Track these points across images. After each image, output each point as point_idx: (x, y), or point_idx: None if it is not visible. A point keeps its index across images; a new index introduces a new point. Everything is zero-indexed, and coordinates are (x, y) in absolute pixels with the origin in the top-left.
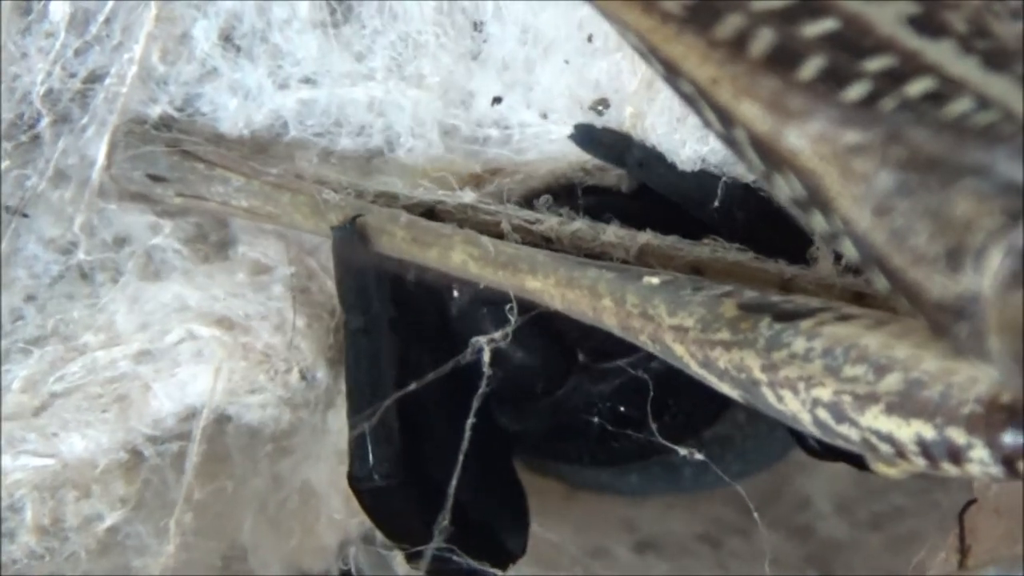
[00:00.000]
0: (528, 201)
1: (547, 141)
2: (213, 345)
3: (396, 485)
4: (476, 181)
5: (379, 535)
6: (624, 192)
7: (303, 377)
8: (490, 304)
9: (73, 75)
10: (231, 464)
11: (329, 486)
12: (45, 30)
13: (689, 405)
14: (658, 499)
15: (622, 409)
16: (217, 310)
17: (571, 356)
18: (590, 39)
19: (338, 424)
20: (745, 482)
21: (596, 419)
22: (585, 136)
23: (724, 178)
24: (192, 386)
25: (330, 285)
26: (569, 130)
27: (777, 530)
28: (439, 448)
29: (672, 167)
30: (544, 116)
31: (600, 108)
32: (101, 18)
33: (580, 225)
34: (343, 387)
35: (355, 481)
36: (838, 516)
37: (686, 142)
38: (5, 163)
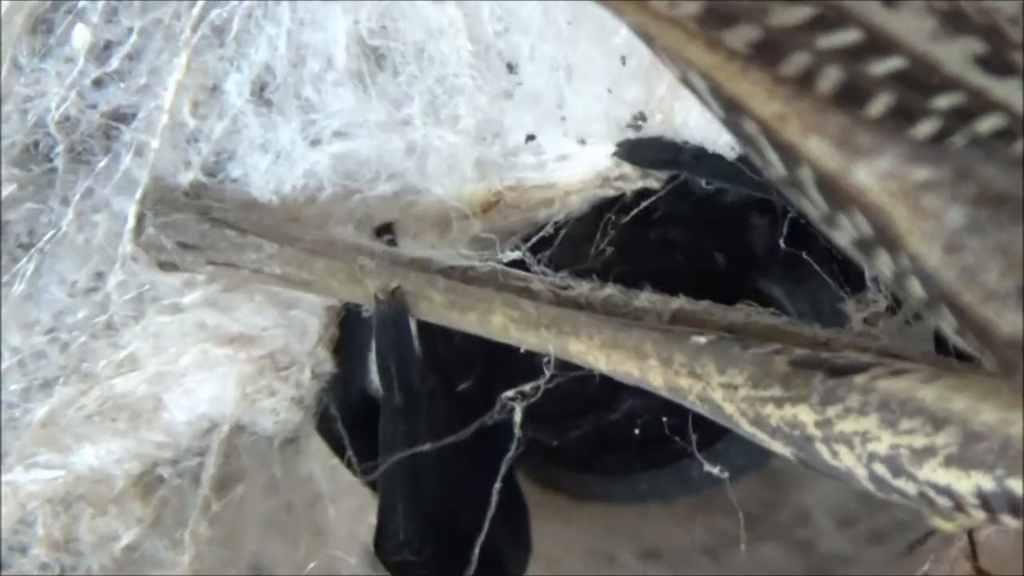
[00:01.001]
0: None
1: (582, 166)
2: (225, 358)
3: (426, 559)
4: (504, 212)
5: None
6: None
7: (314, 375)
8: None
9: (92, 106)
10: (244, 471)
11: (339, 495)
12: (65, 55)
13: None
14: (661, 510)
15: (664, 419)
16: (234, 328)
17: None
18: (624, 61)
19: None
20: (745, 495)
21: (637, 432)
22: (631, 150)
23: None
24: (202, 395)
25: None
26: (609, 149)
27: (778, 544)
28: (464, 501)
29: (723, 158)
30: (582, 142)
31: (640, 123)
32: (124, 51)
33: (612, 291)
34: None
35: (385, 553)
36: (839, 530)
37: (721, 131)
38: (12, 187)
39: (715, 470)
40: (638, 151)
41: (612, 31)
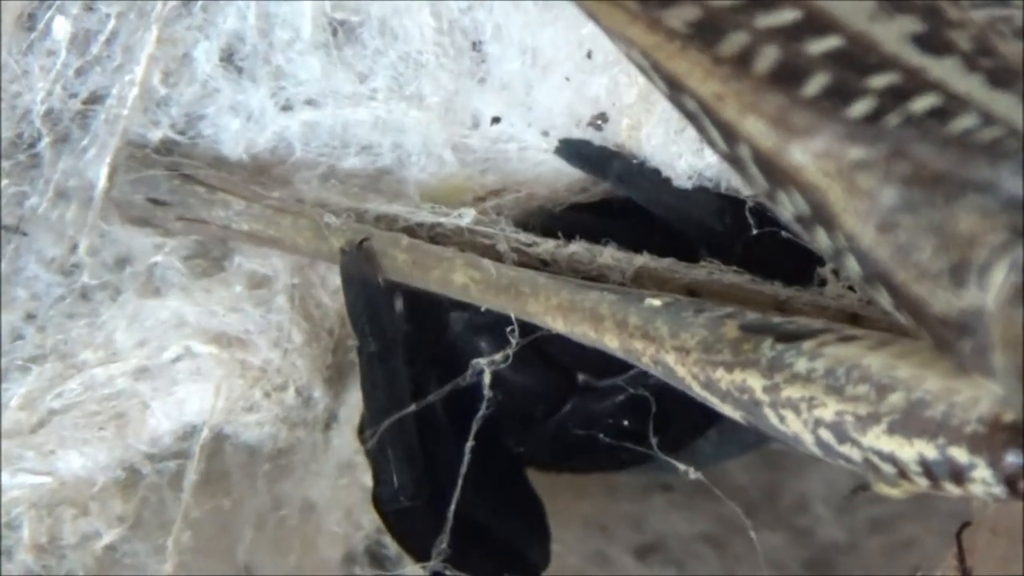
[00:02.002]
0: (526, 222)
1: (546, 158)
2: (211, 362)
3: (422, 505)
4: (478, 200)
5: (384, 553)
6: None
7: (299, 395)
8: (486, 327)
9: (74, 95)
10: (229, 483)
11: (330, 501)
12: (47, 48)
13: (692, 412)
14: (661, 498)
15: (626, 423)
16: (215, 325)
17: (570, 377)
18: (589, 55)
19: (339, 440)
20: (745, 481)
21: (601, 435)
22: (571, 150)
23: (708, 191)
24: (190, 404)
25: (326, 299)
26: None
27: (776, 532)
28: (450, 469)
29: (655, 180)
30: (545, 134)
31: (599, 123)
32: (103, 38)
33: (577, 248)
34: (343, 405)
35: (381, 503)
36: (837, 519)
37: (682, 155)
38: (4, 181)
39: (681, 468)
40: (574, 151)
41: (582, 21)
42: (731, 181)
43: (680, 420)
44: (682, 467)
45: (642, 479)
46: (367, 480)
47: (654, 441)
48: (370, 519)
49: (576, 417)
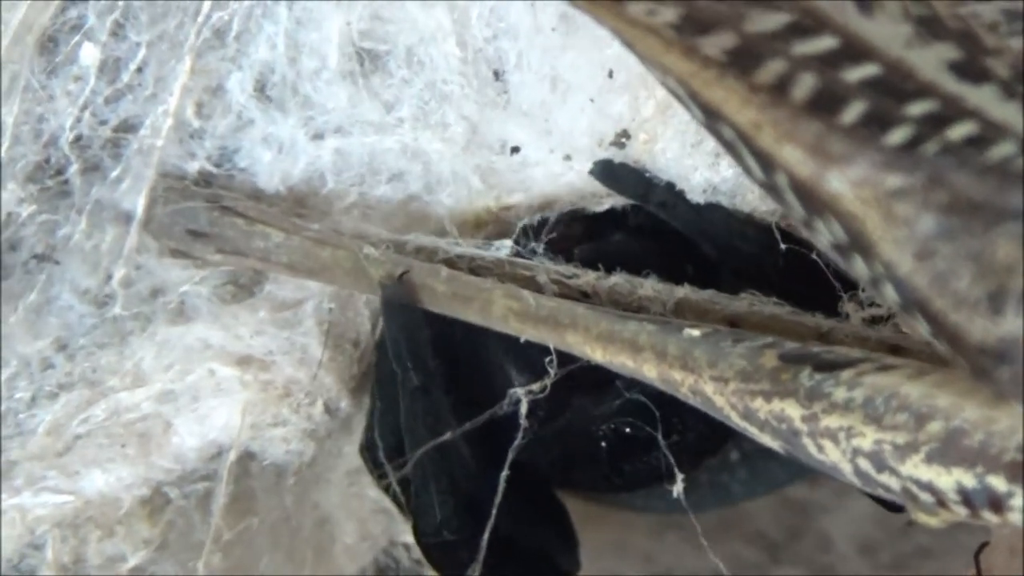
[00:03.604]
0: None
1: (572, 176)
2: (234, 382)
3: (465, 539)
4: (498, 216)
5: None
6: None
7: (327, 410)
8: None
9: (104, 122)
10: (256, 503)
11: (343, 511)
12: (74, 74)
13: (699, 424)
14: (676, 534)
15: (628, 431)
16: (240, 348)
17: (570, 379)
18: (611, 75)
19: (351, 448)
20: (768, 520)
21: (603, 444)
22: (605, 172)
23: (741, 216)
24: (213, 421)
25: (353, 313)
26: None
27: (798, 569)
28: (484, 495)
29: (693, 206)
30: (568, 158)
31: (623, 140)
32: (133, 66)
33: (618, 279)
34: (360, 412)
35: (424, 537)
36: (861, 557)
37: (697, 168)
38: (31, 208)
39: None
40: (613, 175)
41: (604, 43)
42: (746, 196)
43: (689, 428)
44: (678, 486)
45: (656, 516)
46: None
47: (664, 444)
48: (382, 530)
49: (577, 424)
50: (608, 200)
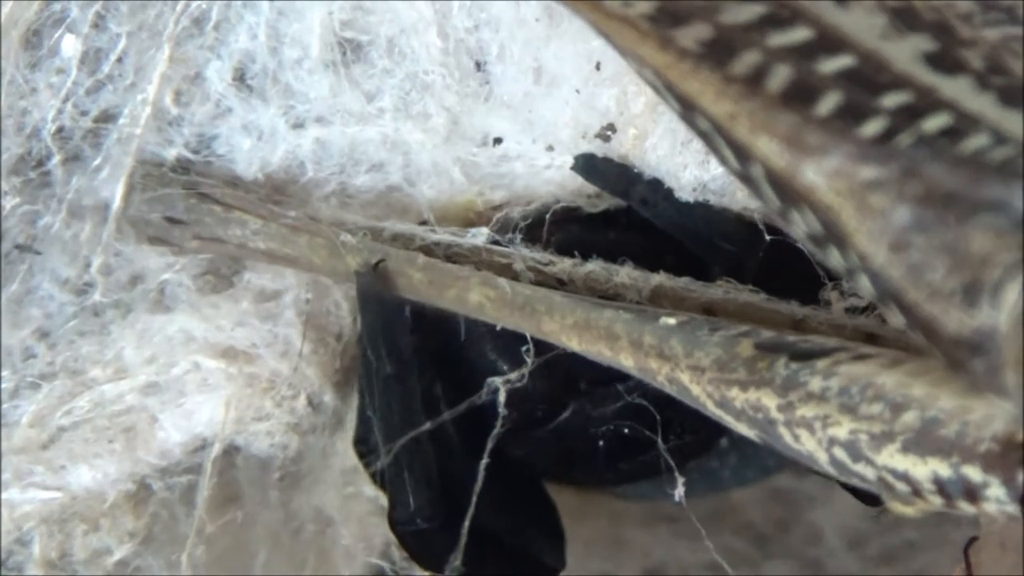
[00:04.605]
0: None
1: (552, 172)
2: (219, 375)
3: (439, 527)
4: (485, 216)
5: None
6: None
7: (310, 403)
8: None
9: (85, 113)
10: (241, 495)
11: (339, 510)
12: (56, 66)
13: (695, 423)
14: (668, 528)
15: (625, 431)
16: (222, 340)
17: (571, 381)
18: (598, 67)
19: (343, 445)
20: (757, 512)
21: (601, 443)
22: (587, 166)
23: (725, 215)
24: (198, 416)
25: (333, 306)
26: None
27: (787, 563)
28: (463, 486)
29: (676, 203)
30: (550, 148)
31: (608, 134)
32: (113, 57)
33: (593, 267)
34: (351, 408)
35: (398, 525)
36: (849, 551)
37: (687, 166)
38: (15, 200)
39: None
40: (595, 169)
41: (590, 34)
42: (736, 195)
43: (686, 428)
44: (679, 491)
45: (647, 508)
46: (371, 489)
47: (661, 444)
48: (380, 531)
49: (575, 422)
50: (603, 202)
